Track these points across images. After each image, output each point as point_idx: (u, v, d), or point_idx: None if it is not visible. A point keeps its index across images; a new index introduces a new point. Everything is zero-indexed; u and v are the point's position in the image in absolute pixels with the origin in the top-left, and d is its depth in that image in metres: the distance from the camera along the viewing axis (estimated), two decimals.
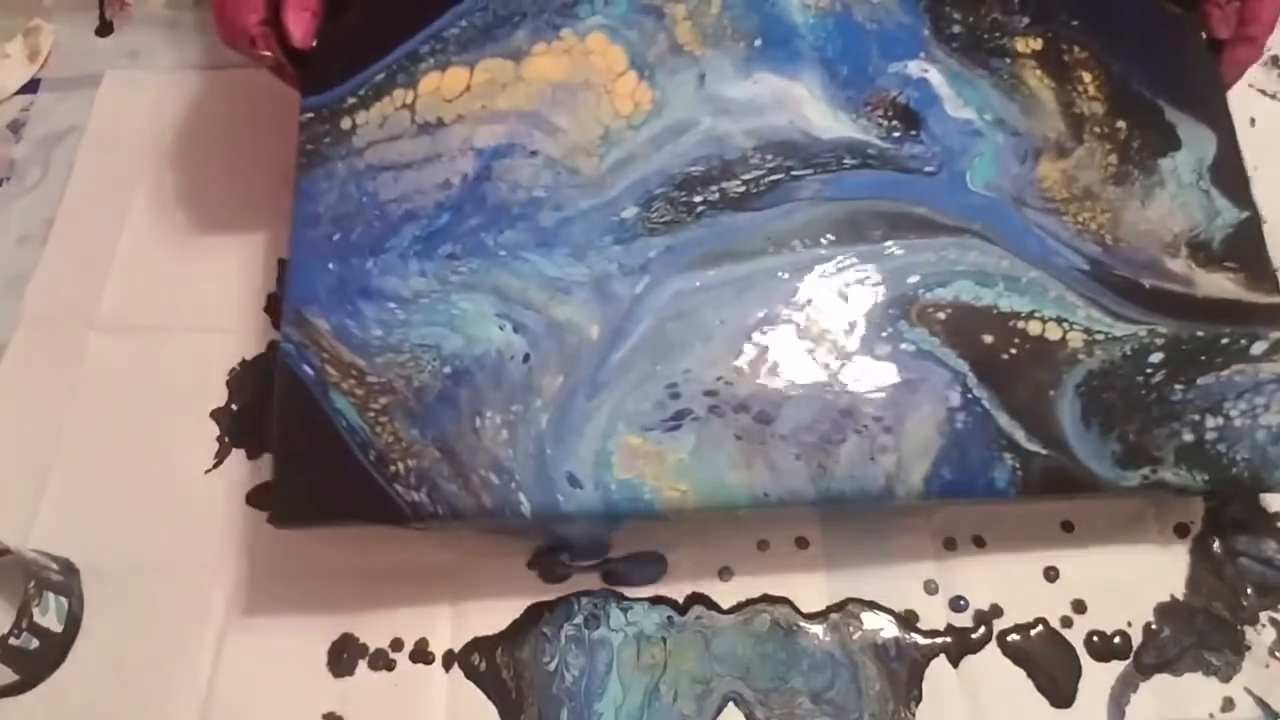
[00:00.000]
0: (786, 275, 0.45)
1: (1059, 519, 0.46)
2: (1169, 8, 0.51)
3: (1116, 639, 0.44)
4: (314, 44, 0.50)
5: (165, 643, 0.46)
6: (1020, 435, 0.43)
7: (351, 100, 0.50)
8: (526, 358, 0.44)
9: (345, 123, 0.50)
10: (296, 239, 0.48)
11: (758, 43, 0.50)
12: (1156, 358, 0.44)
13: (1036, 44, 0.50)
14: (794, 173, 0.47)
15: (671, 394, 0.43)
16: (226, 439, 0.51)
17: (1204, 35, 0.50)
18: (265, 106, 0.60)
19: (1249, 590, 0.45)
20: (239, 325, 0.54)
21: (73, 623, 0.47)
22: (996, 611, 0.44)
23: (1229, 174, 0.48)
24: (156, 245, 0.57)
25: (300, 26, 0.49)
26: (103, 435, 0.51)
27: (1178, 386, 0.44)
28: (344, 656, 0.45)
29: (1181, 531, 0.46)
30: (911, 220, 0.46)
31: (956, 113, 0.48)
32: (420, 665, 0.45)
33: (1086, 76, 0.49)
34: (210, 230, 0.57)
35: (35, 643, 0.45)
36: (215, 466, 0.50)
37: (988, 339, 0.44)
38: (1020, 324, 0.44)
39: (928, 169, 0.47)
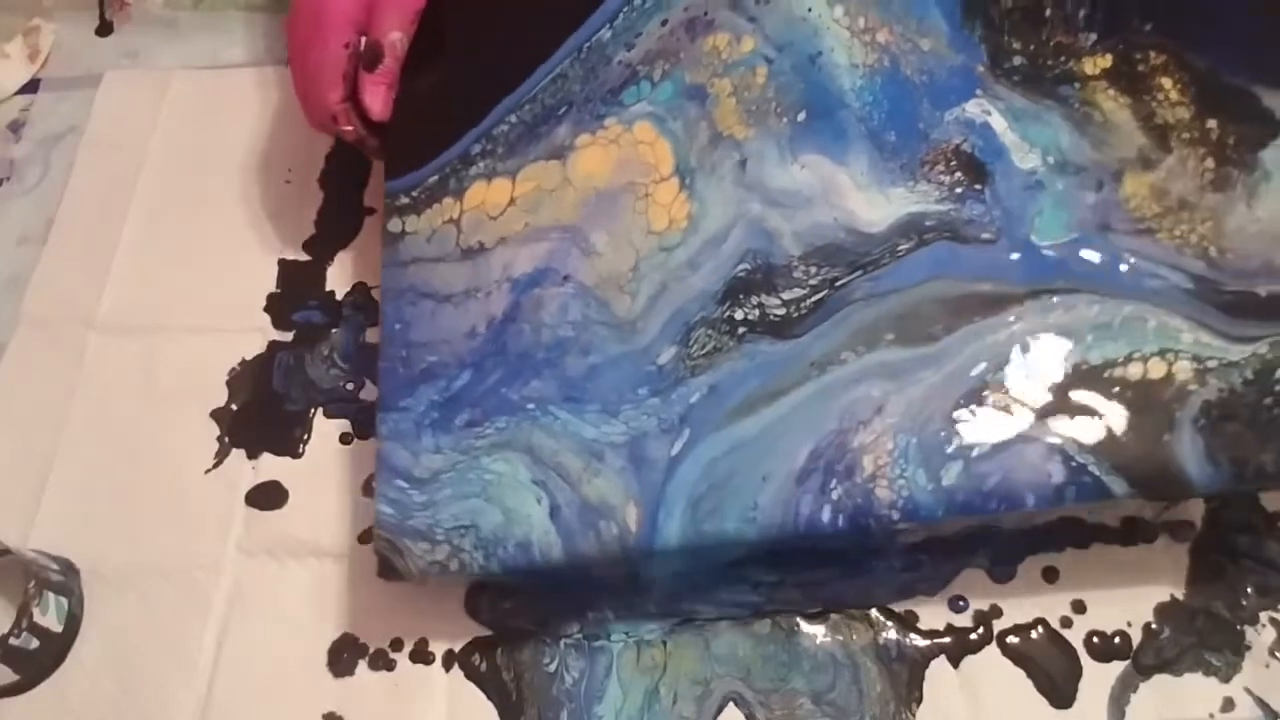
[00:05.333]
0: (834, 397, 0.41)
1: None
2: None
3: (1116, 639, 0.44)
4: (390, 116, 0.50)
5: (165, 643, 0.46)
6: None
7: (404, 200, 0.49)
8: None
9: (395, 224, 0.48)
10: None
11: (801, 116, 0.46)
12: None
13: (1106, 61, 0.45)
14: (839, 283, 0.43)
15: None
16: (226, 439, 0.51)
17: None
18: (266, 106, 0.60)
19: (1249, 590, 0.44)
20: (239, 325, 0.54)
21: (73, 623, 0.47)
22: (996, 612, 0.44)
23: None
24: (156, 245, 0.57)
25: (377, 100, 0.50)
26: (103, 435, 0.51)
27: None
28: (344, 656, 0.45)
29: (1181, 532, 0.46)
30: (976, 300, 0.42)
31: (1022, 162, 0.44)
32: (420, 665, 0.45)
33: (1167, 83, 0.45)
34: (210, 230, 0.57)
35: (35, 643, 0.45)
36: (215, 466, 0.50)
37: (1082, 398, 0.40)
38: (1117, 371, 0.40)
39: (984, 236, 0.43)
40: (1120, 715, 0.42)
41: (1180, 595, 0.44)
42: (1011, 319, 0.41)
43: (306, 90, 0.50)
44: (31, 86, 0.64)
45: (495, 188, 0.48)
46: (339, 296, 0.54)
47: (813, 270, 0.44)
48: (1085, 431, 0.40)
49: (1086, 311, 0.41)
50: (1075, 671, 0.43)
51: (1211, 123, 0.44)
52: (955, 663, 0.44)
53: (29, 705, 0.45)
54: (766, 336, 0.43)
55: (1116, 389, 0.40)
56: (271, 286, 0.55)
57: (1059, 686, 0.43)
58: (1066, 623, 0.44)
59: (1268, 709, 0.42)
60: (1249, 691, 0.42)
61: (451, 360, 0.45)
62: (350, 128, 0.50)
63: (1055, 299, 0.42)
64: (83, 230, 0.58)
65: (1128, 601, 0.44)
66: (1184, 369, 0.40)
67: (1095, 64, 0.46)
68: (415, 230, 0.48)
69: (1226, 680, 0.43)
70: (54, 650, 0.46)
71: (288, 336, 0.53)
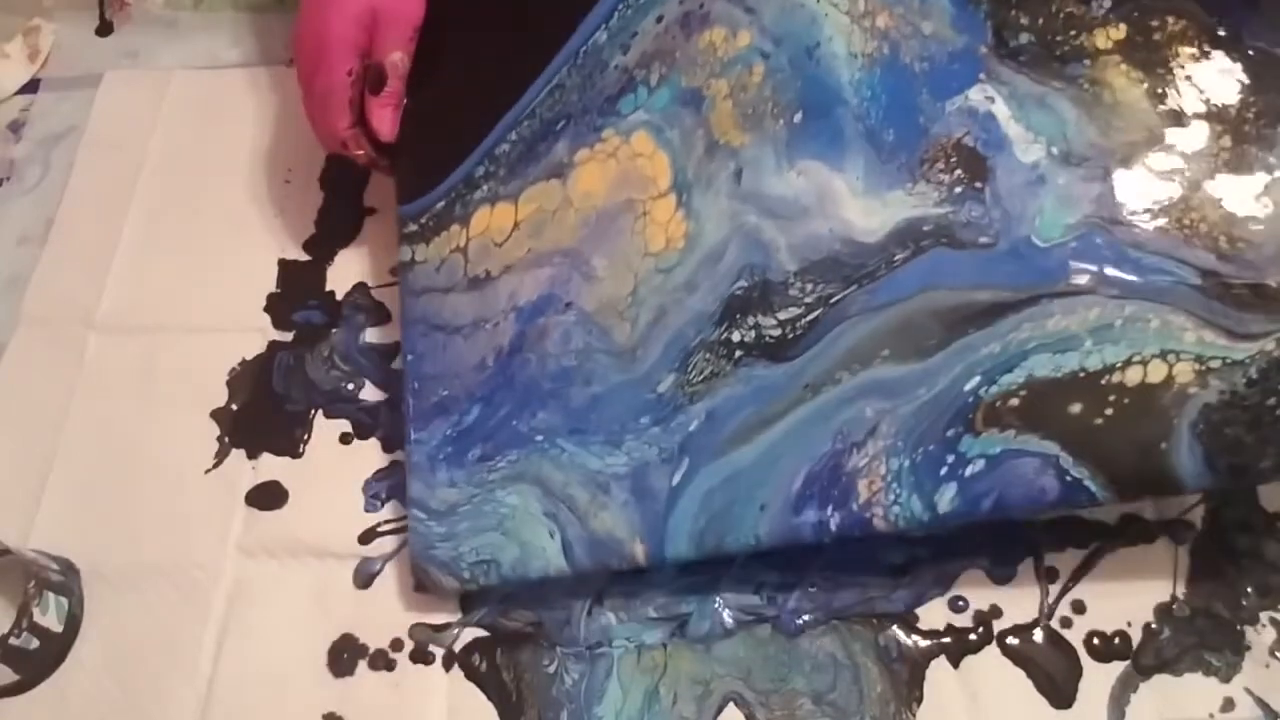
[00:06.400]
0: (828, 418, 0.41)
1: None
2: None
3: (1116, 639, 0.44)
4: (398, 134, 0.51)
5: (165, 643, 0.46)
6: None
7: (413, 227, 0.49)
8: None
9: (405, 252, 0.49)
10: None
11: (798, 118, 0.44)
12: None
13: (1120, 32, 0.42)
14: (834, 300, 0.42)
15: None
16: (226, 439, 0.51)
17: None
18: (266, 106, 0.60)
19: (1249, 590, 0.44)
20: (239, 325, 0.54)
21: (73, 623, 0.47)
22: (996, 612, 0.44)
23: None
24: (156, 245, 0.57)
25: (385, 122, 0.51)
26: (103, 435, 0.51)
27: None
28: (344, 656, 0.45)
29: (1181, 532, 0.46)
30: (972, 310, 0.40)
31: (1024, 155, 0.42)
32: (420, 665, 0.45)
33: (1184, 51, 0.41)
34: (210, 230, 0.57)
35: (35, 643, 0.45)
36: (215, 466, 0.50)
37: (1076, 408, 0.38)
38: (1116, 377, 0.38)
39: (982, 240, 0.41)
40: (1120, 715, 0.42)
41: (1180, 595, 0.44)
42: (1007, 328, 0.40)
43: (316, 118, 0.51)
44: (31, 86, 0.64)
45: (499, 212, 0.48)
46: (339, 296, 0.54)
47: (809, 288, 0.43)
48: (1079, 442, 0.38)
49: (1086, 315, 0.39)
50: (1075, 671, 0.43)
51: (1231, 95, 0.41)
52: (955, 663, 0.44)
53: (29, 705, 0.45)
54: (763, 359, 0.42)
55: (1114, 396, 0.38)
56: (271, 286, 0.55)
57: (1059, 686, 0.43)
58: (1066, 623, 0.44)
59: (1268, 709, 0.42)
60: (1249, 691, 0.42)
61: (462, 394, 0.46)
62: (361, 152, 0.51)
63: (1054, 303, 0.39)
64: (83, 230, 0.58)
65: (1128, 601, 0.44)
66: (1185, 371, 0.38)
67: (1108, 36, 0.43)
68: (425, 259, 0.48)
69: (1226, 680, 0.43)
70: (54, 650, 0.46)
71: (288, 336, 0.53)
